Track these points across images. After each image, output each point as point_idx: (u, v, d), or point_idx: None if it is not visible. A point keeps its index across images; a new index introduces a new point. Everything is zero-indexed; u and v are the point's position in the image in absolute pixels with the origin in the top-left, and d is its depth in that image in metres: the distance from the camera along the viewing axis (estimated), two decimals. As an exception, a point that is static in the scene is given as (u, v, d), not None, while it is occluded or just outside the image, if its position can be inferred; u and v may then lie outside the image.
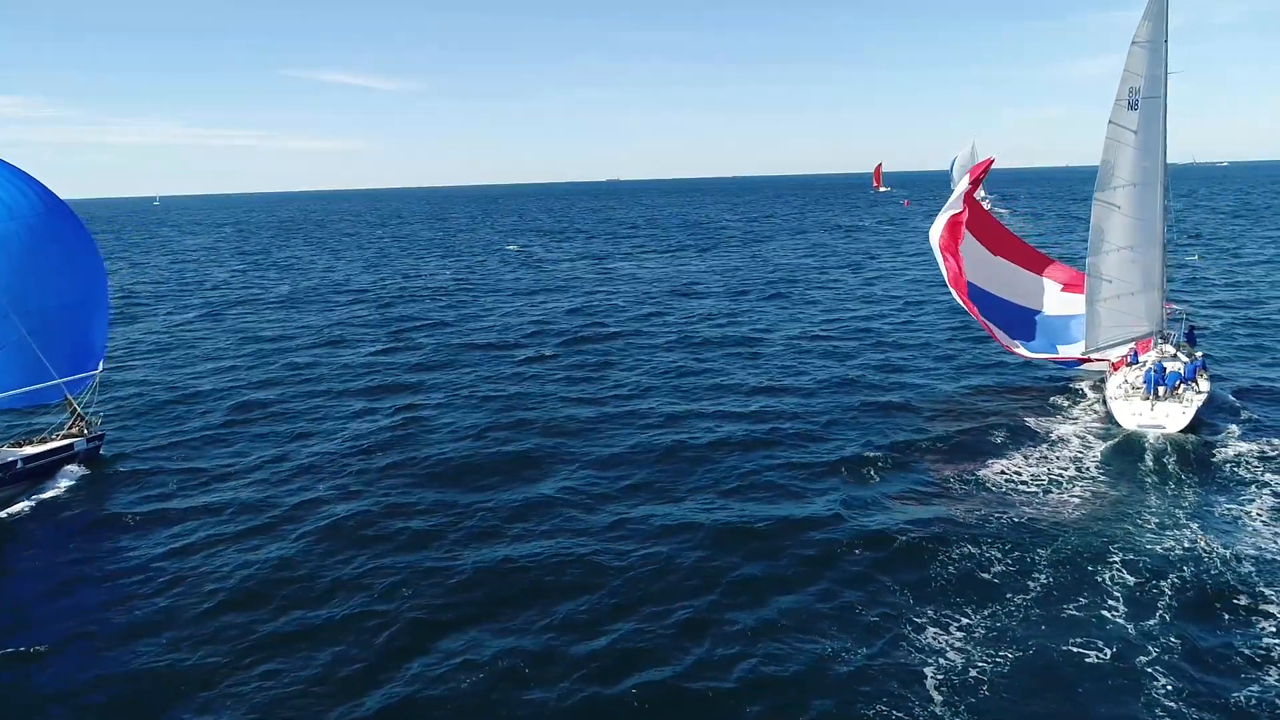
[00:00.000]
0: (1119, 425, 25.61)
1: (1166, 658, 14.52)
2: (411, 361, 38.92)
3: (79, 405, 26.15)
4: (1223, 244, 76.86)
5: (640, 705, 13.77)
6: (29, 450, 24.50)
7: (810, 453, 24.89)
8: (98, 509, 22.75)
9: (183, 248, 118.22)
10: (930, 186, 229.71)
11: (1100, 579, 17.05)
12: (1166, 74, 28.59)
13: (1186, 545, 18.24)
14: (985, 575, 17.41)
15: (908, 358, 36.55)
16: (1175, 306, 33.63)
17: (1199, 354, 29.57)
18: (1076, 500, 20.93)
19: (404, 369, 37.56)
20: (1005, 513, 20.19)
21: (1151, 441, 24.44)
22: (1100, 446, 24.47)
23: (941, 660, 14.61)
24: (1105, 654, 14.64)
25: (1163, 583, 16.78)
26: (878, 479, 22.75)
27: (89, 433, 25.96)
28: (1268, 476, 21.70)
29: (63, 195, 28.22)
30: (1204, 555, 17.77)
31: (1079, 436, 25.48)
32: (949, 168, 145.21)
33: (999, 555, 18.16)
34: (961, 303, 32.34)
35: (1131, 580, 16.90)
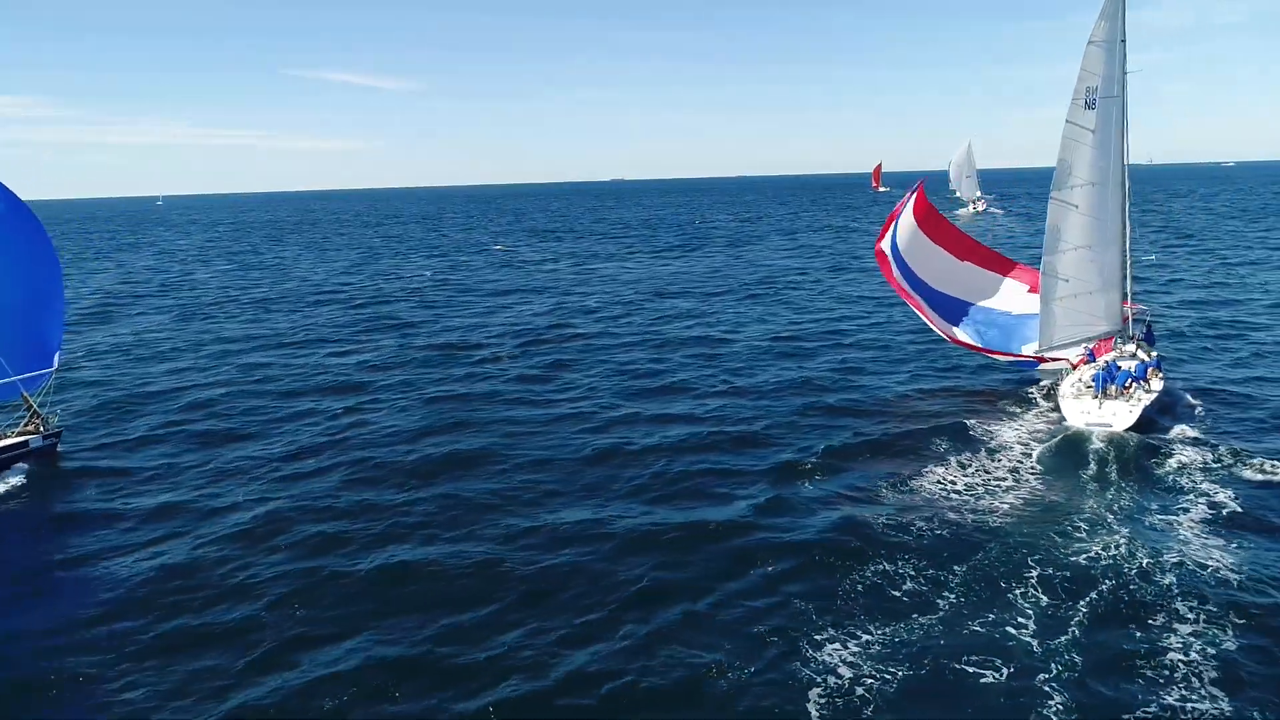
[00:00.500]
0: (1068, 423, 25.26)
1: (1067, 675, 13.87)
2: (367, 362, 38.39)
3: (35, 402, 26.30)
4: (1211, 244, 75.90)
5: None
6: None
7: (744, 457, 24.26)
8: (39, 507, 22.58)
9: (173, 248, 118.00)
10: (929, 186, 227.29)
11: (1013, 594, 16.36)
12: (1124, 73, 28.38)
13: (1109, 556, 17.57)
14: (896, 587, 16.77)
15: (866, 359, 35.91)
16: (1141, 306, 33.08)
17: (1154, 354, 29.18)
18: (1006, 507, 20.25)
19: (358, 369, 37.03)
20: (931, 520, 19.52)
21: (1095, 443, 23.88)
22: (1041, 450, 23.82)
23: (831, 677, 13.97)
24: (1002, 672, 13.99)
25: (1076, 597, 16.10)
26: (807, 485, 22.09)
27: (45, 429, 26.25)
28: (1206, 485, 20.98)
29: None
30: (1124, 568, 17.08)
31: (1023, 439, 24.84)
32: (947, 167, 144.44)
33: (914, 565, 17.51)
34: (917, 311, 32.05)
35: (1044, 598, 16.16)
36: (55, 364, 27.26)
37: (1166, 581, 16.50)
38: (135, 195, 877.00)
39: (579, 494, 22.08)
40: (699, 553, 18.43)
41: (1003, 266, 34.51)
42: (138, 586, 17.84)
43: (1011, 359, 31.32)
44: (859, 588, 16.83)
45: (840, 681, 13.86)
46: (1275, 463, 22.01)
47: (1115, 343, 30.23)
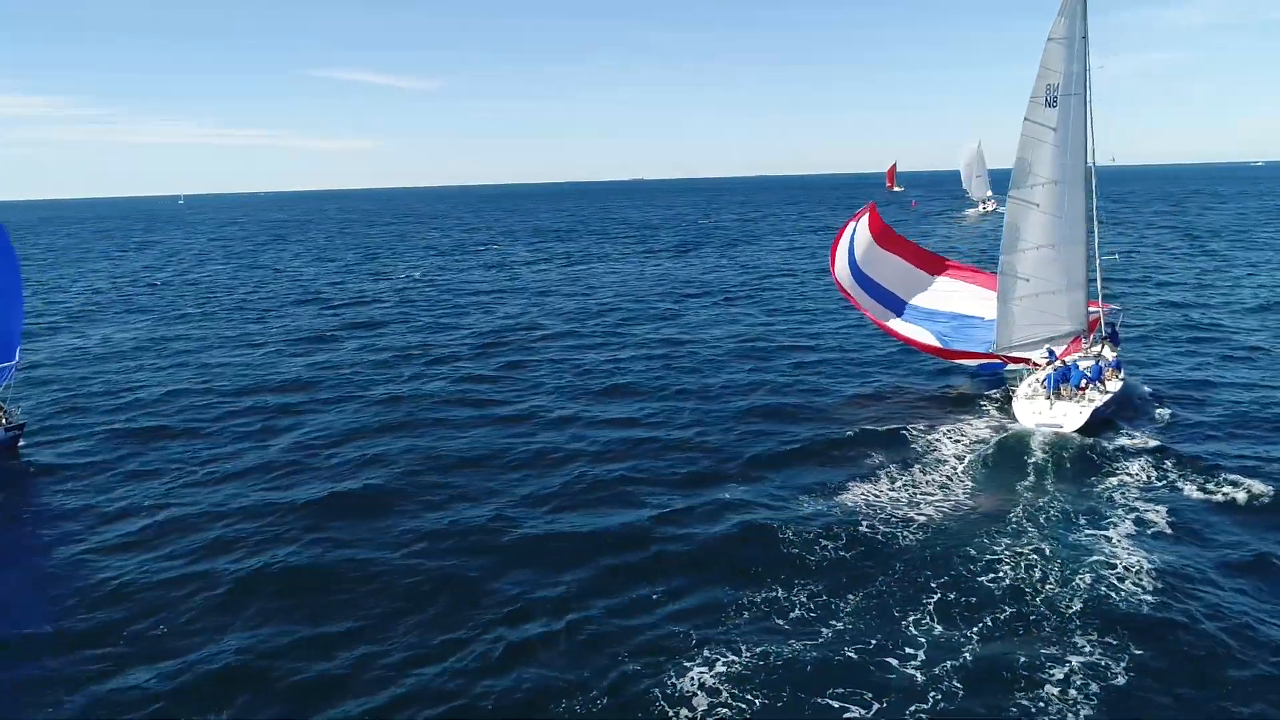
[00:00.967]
0: (1020, 425, 24.60)
1: (942, 708, 12.81)
2: (322, 363, 37.68)
3: None
4: (1215, 244, 73.79)
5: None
6: None
7: (666, 463, 23.32)
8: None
9: (179, 248, 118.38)
10: (945, 185, 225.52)
11: (906, 621, 15.20)
12: (1087, 70, 27.67)
13: (1018, 578, 16.40)
14: (783, 612, 15.66)
15: (824, 364, 34.75)
16: (1113, 307, 31.91)
17: (1116, 354, 28.33)
18: (924, 520, 19.08)
19: (310, 369, 36.30)
20: (842, 536, 18.37)
21: (1035, 451, 22.95)
22: (976, 458, 22.74)
23: (683, 709, 12.99)
24: (871, 708, 12.93)
25: (972, 624, 14.98)
26: (724, 494, 20.99)
27: (8, 423, 26.44)
28: (1139, 500, 19.74)
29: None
30: (1031, 592, 15.89)
31: (966, 446, 23.74)
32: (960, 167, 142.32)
33: (809, 588, 16.41)
34: (880, 326, 31.87)
35: (939, 626, 14.97)
36: (17, 358, 27.29)
37: (1073, 609, 15.29)
38: (158, 194, 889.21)
39: (485, 498, 21.27)
40: (585, 565, 17.49)
41: (965, 272, 34.23)
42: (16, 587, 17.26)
43: (979, 361, 30.29)
44: (743, 609, 15.79)
45: (692, 714, 12.87)
46: (1214, 479, 20.76)
47: (1084, 343, 29.39)
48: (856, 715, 12.79)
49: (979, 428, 25.37)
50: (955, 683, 13.32)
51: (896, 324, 31.33)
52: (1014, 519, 19.02)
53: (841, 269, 31.86)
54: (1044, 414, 24.54)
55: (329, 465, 24.15)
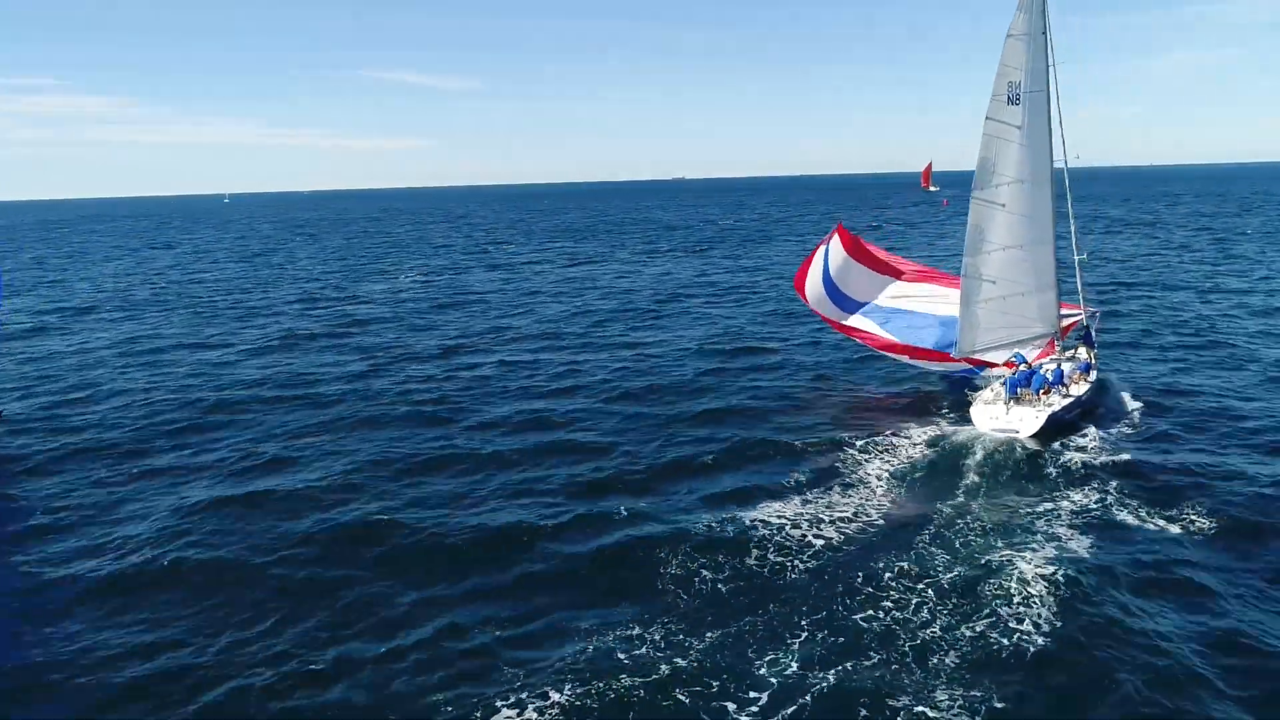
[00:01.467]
0: (974, 429, 23.59)
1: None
2: (279, 364, 37.12)
3: None
4: (1218, 245, 70.48)
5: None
6: None
7: (568, 467, 22.33)
8: None
9: (205, 247, 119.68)
10: (964, 185, 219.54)
11: (765, 658, 13.78)
12: (1050, 66, 26.67)
13: (908, 613, 14.83)
14: (638, 640, 14.32)
15: (783, 363, 33.39)
16: (1092, 309, 30.23)
17: (1091, 355, 27.49)
18: (822, 544, 17.53)
19: (267, 369, 35.79)
20: (733, 556, 16.97)
21: (974, 462, 21.55)
22: (912, 467, 21.37)
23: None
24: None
25: (835, 664, 13.51)
26: (619, 506, 19.62)
27: None
28: (1061, 527, 17.97)
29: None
30: (912, 632, 14.32)
31: (904, 455, 22.35)
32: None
33: (675, 613, 15.10)
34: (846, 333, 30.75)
35: (793, 666, 13.50)
36: None
37: (946, 661, 13.64)
38: (204, 193, 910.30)
39: (373, 500, 20.47)
40: (450, 577, 16.57)
41: (943, 279, 32.69)
42: None
43: (950, 365, 28.79)
44: (590, 636, 14.46)
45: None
46: (1157, 498, 19.05)
47: (1057, 346, 27.96)
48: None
49: (925, 436, 23.85)
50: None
51: (882, 336, 29.85)
52: (921, 543, 17.44)
53: (815, 292, 30.48)
54: (999, 419, 23.46)
55: (229, 462, 23.61)
